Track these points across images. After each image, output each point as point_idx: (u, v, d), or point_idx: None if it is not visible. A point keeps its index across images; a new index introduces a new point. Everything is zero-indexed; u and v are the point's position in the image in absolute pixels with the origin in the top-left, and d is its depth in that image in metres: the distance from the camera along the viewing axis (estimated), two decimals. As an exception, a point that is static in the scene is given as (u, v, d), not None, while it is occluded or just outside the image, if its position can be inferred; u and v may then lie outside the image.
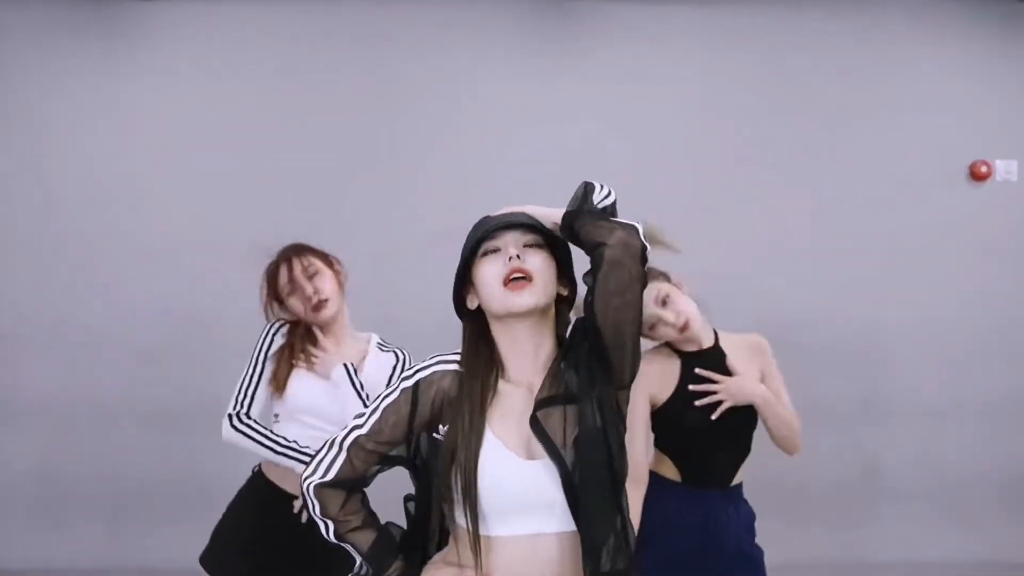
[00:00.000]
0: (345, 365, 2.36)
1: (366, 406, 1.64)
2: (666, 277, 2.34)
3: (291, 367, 2.37)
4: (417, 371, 1.60)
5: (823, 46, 4.89)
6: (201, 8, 4.76)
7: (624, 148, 4.71)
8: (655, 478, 2.32)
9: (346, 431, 1.60)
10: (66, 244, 4.61)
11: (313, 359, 2.36)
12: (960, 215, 4.86)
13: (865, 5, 4.92)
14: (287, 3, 4.77)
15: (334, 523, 1.60)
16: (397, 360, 2.44)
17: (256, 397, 2.39)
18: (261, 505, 2.41)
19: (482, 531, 1.49)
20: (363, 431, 1.58)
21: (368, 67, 4.83)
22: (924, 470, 4.82)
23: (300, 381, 2.37)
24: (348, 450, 1.58)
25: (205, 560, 2.43)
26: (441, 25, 4.86)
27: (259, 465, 2.44)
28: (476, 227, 1.61)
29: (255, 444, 2.35)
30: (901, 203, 4.85)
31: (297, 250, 2.45)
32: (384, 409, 1.58)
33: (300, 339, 2.41)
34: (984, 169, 4.83)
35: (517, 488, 1.48)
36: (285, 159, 4.74)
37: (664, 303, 2.27)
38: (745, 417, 2.32)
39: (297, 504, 2.30)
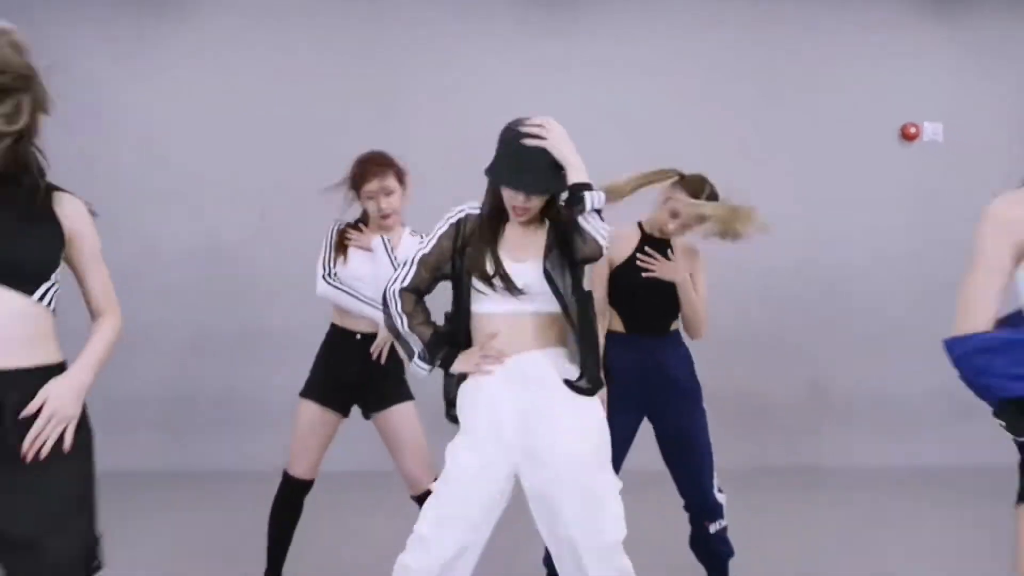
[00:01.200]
0: (382, 237, 3.08)
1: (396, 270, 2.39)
2: (684, 187, 2.99)
3: (346, 246, 3.11)
4: (457, 213, 2.33)
5: (782, 31, 5.42)
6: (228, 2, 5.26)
7: (613, 122, 5.20)
8: (607, 332, 2.99)
9: (416, 252, 2.33)
10: (111, 190, 4.82)
11: (361, 232, 3.12)
12: (893, 169, 5.43)
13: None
14: None
15: (408, 317, 2.29)
16: (422, 239, 2.90)
17: (337, 265, 3.13)
18: (331, 346, 3.14)
19: (479, 311, 2.27)
20: (426, 250, 2.31)
21: (375, 47, 5.28)
22: (863, 389, 5.42)
23: (352, 255, 3.11)
24: (418, 264, 2.31)
25: (303, 391, 3.13)
26: (444, 14, 5.31)
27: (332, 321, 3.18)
28: (511, 161, 2.22)
29: (341, 294, 3.09)
30: (845, 159, 5.41)
31: (385, 168, 3.09)
32: (439, 236, 2.31)
33: (353, 227, 3.15)
34: (913, 131, 5.41)
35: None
36: (301, 120, 5.19)
37: (674, 215, 2.98)
38: (673, 288, 2.96)
39: (374, 346, 3.04)
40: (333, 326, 3.17)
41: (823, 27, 5.44)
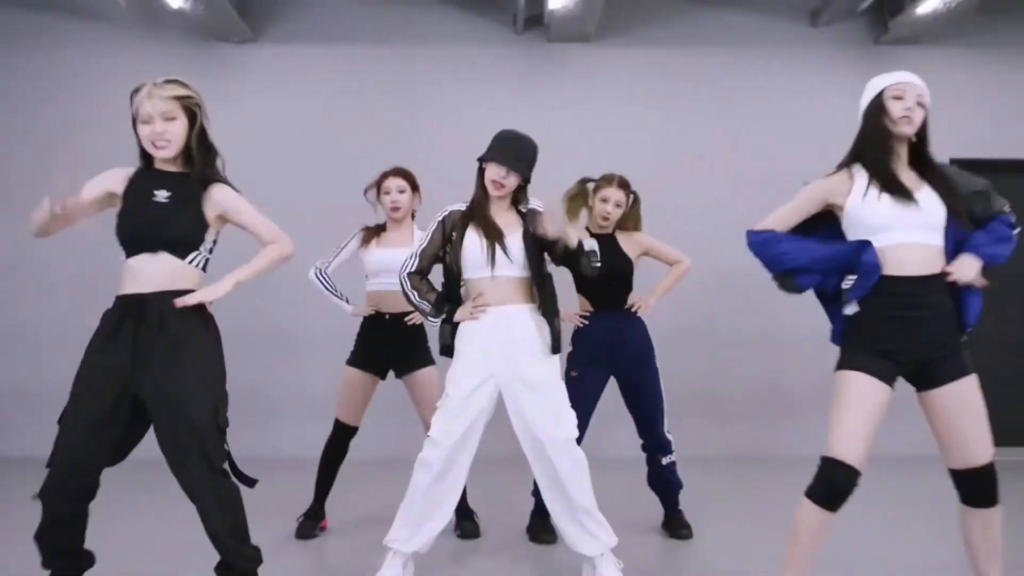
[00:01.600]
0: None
1: None
2: (625, 189, 3.91)
3: (370, 243, 4.03)
4: (442, 212, 3.25)
5: (733, 77, 6.38)
6: (279, 50, 6.30)
7: (595, 154, 6.12)
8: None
9: (417, 246, 3.27)
10: None
11: (381, 232, 4.04)
12: None
13: (772, 49, 6.40)
14: (342, 48, 6.29)
15: (417, 291, 3.23)
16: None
17: (332, 265, 4.05)
18: (366, 323, 4.01)
19: (469, 277, 3.18)
20: (424, 244, 3.26)
21: (398, 93, 6.29)
22: (811, 386, 5.99)
23: (375, 250, 3.98)
24: (419, 255, 3.25)
25: (348, 360, 3.97)
26: (453, 63, 6.32)
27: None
28: (501, 145, 3.21)
29: (319, 285, 4.03)
30: (784, 192, 6.10)
31: (399, 174, 4.04)
32: (431, 232, 3.25)
33: (375, 229, 4.06)
34: None
35: (480, 253, 3.11)
36: (341, 169, 6.07)
37: (607, 209, 3.88)
38: (625, 272, 3.87)
39: (410, 317, 3.89)
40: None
41: (772, 71, 6.41)
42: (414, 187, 4.07)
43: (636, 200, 3.99)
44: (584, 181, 3.99)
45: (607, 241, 3.84)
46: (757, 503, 4.71)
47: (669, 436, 3.88)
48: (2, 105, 6.26)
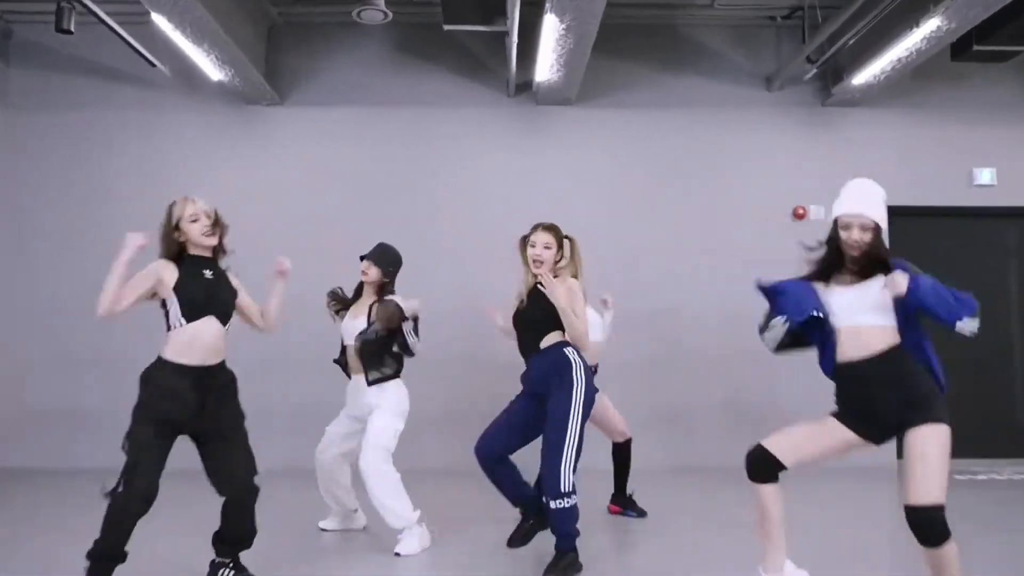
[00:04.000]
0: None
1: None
2: (552, 233, 3.92)
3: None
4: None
5: (698, 134, 7.19)
6: (301, 112, 7.11)
7: (578, 202, 6.97)
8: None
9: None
10: None
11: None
12: (786, 243, 6.88)
13: (732, 111, 7.18)
14: (355, 110, 7.10)
15: None
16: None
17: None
18: None
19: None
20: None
21: (409, 152, 7.11)
22: (767, 402, 6.84)
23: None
24: None
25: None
26: (454, 123, 7.13)
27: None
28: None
29: None
30: (746, 234, 7.09)
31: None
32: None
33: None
34: (802, 211, 7.16)
35: None
36: (356, 215, 6.93)
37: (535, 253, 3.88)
38: (544, 319, 3.80)
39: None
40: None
41: (731, 128, 7.23)
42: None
43: (572, 245, 3.94)
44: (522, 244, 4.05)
45: (535, 289, 3.89)
46: (721, 511, 5.12)
47: (565, 484, 3.53)
48: (51, 162, 7.08)
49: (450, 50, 7.22)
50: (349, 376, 4.40)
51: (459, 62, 7.23)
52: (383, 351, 4.19)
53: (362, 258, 4.33)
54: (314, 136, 7.14)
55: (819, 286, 3.12)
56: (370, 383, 4.19)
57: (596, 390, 3.92)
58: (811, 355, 3.26)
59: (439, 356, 6.41)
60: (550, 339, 3.83)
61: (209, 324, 3.39)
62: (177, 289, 3.36)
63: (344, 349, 4.39)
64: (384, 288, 4.30)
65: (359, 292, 4.44)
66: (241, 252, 6.38)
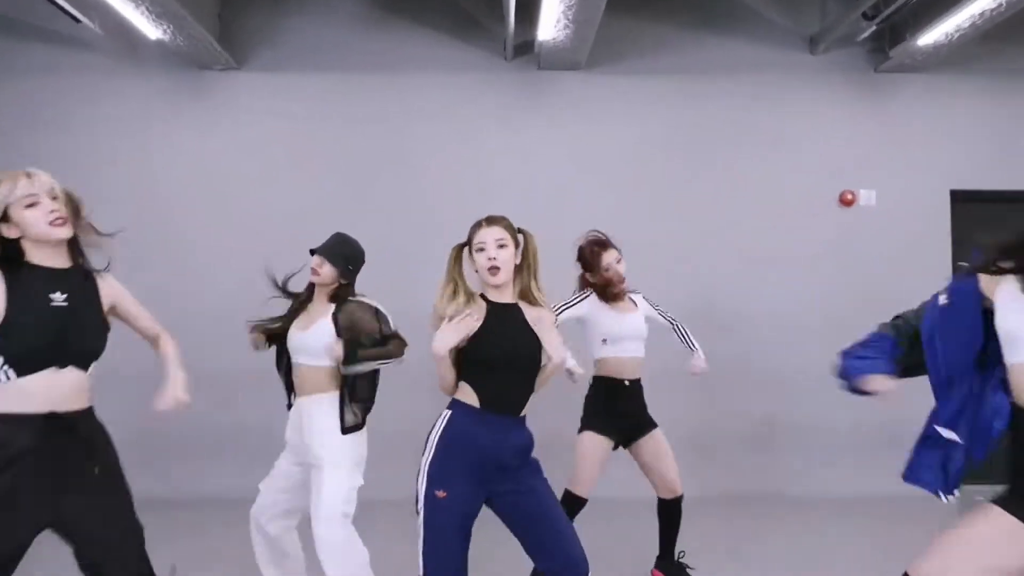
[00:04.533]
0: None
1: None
2: (512, 234, 2.76)
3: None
4: None
5: (732, 104, 6.21)
6: (262, 78, 6.16)
7: (585, 186, 6.07)
8: (457, 403, 2.67)
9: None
10: (146, 253, 5.89)
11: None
12: (830, 235, 6.17)
13: (770, 77, 6.24)
14: (326, 76, 6.15)
15: None
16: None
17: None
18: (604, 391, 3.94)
19: None
20: None
21: (389, 126, 6.14)
22: (805, 424, 6.03)
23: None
24: None
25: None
26: (440, 91, 6.17)
27: None
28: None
29: None
30: (784, 225, 6.16)
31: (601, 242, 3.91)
32: None
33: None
34: (850, 197, 6.21)
35: None
36: (325, 199, 5.99)
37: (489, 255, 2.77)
38: (533, 367, 2.71)
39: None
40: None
41: (768, 99, 6.25)
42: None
43: (527, 240, 2.79)
44: (456, 250, 2.82)
45: (503, 312, 2.75)
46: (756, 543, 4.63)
47: None
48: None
49: (437, 6, 6.28)
50: (290, 402, 3.50)
51: (448, 20, 6.28)
52: (369, 385, 3.41)
53: (312, 252, 3.46)
54: (276, 106, 6.18)
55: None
56: (345, 430, 3.30)
57: None
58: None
59: (425, 365, 5.44)
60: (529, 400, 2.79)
61: (56, 378, 2.33)
62: (2, 325, 2.26)
63: (288, 365, 3.48)
64: (341, 292, 3.43)
65: (309, 296, 3.53)
66: (190, 239, 5.54)
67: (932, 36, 5.54)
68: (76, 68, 6.13)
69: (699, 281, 6.09)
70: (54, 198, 2.35)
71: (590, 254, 3.92)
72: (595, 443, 3.82)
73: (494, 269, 2.70)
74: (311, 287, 3.51)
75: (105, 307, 2.49)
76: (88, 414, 2.42)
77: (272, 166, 6.11)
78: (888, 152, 6.28)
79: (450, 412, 2.67)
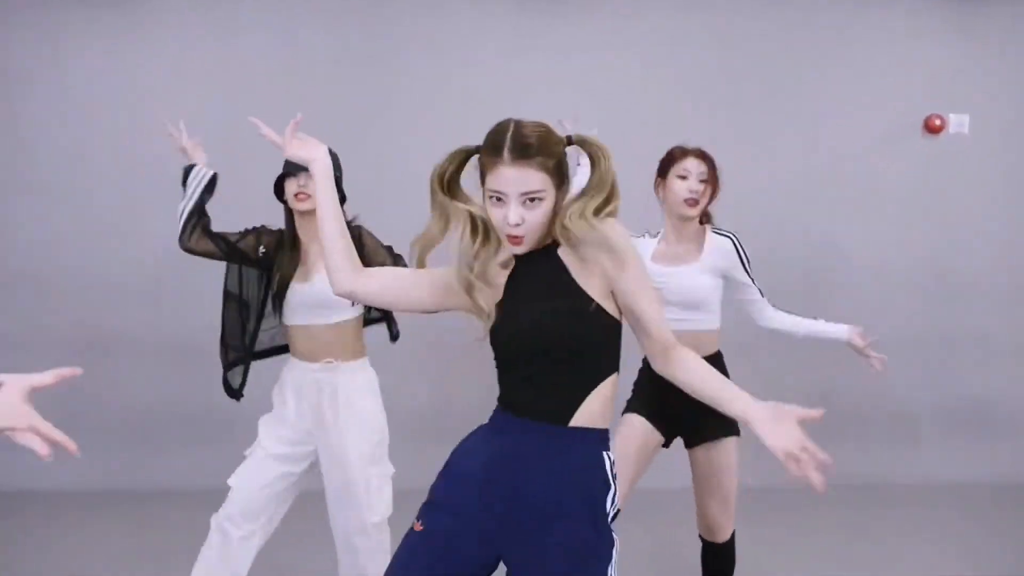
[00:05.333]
0: None
1: None
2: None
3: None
4: None
5: (786, 16, 5.05)
6: None
7: (611, 123, 4.75)
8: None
9: None
10: (98, 190, 4.82)
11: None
12: (916, 168, 5.10)
13: None
14: None
15: None
16: None
17: None
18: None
19: None
20: None
21: (368, 34, 4.96)
22: (870, 399, 5.05)
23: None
24: None
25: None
26: (435, 16, 4.98)
27: None
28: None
29: None
30: (859, 157, 5.07)
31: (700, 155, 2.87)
32: None
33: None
34: (938, 123, 5.07)
35: None
36: (289, 113, 4.86)
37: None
38: (594, 342, 1.72)
39: None
40: None
41: (839, 9, 5.09)
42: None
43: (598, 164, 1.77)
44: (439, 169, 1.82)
45: (527, 265, 1.75)
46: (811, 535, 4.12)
47: None
48: None
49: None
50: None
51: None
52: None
53: (285, 176, 2.73)
54: (220, 21, 4.92)
55: None
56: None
57: None
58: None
59: (428, 338, 4.43)
60: (592, 406, 1.68)
61: None
62: None
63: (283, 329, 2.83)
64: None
65: (293, 235, 2.81)
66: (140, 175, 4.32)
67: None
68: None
69: (750, 225, 4.84)
70: None
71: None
72: (634, 427, 2.75)
73: (515, 239, 1.67)
74: (290, 222, 2.80)
75: None
76: None
77: (208, 98, 4.83)
78: (983, 67, 5.13)
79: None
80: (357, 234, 2.71)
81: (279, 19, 4.95)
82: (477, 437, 1.78)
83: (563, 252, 1.70)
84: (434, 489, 1.79)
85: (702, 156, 2.80)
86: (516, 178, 1.61)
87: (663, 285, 2.71)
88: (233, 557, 2.70)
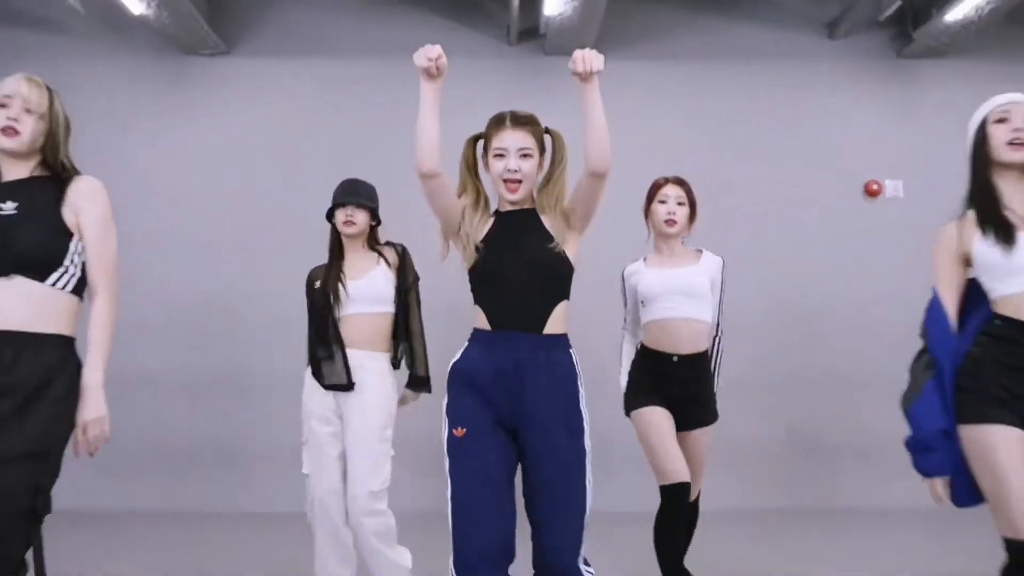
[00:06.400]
0: None
1: None
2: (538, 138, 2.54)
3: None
4: None
5: (745, 93, 5.89)
6: (254, 64, 5.86)
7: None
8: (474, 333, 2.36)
9: None
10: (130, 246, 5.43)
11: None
12: (856, 227, 5.80)
13: (788, 63, 5.94)
14: (320, 62, 5.85)
15: None
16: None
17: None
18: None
19: None
20: None
21: (386, 114, 5.74)
22: (834, 430, 5.63)
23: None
24: None
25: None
26: (446, 77, 5.75)
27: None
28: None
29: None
30: (807, 218, 5.81)
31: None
32: None
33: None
34: (876, 187, 5.85)
35: None
36: (318, 190, 5.53)
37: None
38: (559, 267, 2.33)
39: None
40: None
41: (785, 86, 5.93)
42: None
43: (555, 141, 2.55)
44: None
45: (514, 218, 2.39)
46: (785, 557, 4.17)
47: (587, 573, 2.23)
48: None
49: (436, -12, 5.95)
50: (329, 360, 3.30)
51: (447, 2, 5.98)
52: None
53: (337, 206, 3.40)
54: (268, 93, 5.86)
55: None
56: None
57: None
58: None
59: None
60: (558, 315, 2.32)
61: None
62: None
63: (332, 322, 3.31)
64: (373, 234, 3.47)
65: (340, 253, 3.45)
66: (182, 230, 5.08)
67: (961, 10, 5.23)
68: (61, 54, 5.78)
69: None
70: (27, 109, 2.20)
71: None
72: (656, 413, 3.19)
73: (512, 184, 2.35)
74: (337, 243, 3.43)
75: (66, 213, 2.21)
76: (44, 340, 2.08)
77: (262, 160, 5.73)
78: (914, 140, 5.94)
79: (467, 344, 2.35)
80: (402, 250, 3.43)
81: (311, 95, 5.84)
82: (474, 354, 2.29)
83: (539, 211, 2.38)
84: (459, 398, 2.27)
85: (679, 183, 3.29)
86: (515, 138, 2.35)
87: (669, 280, 3.26)
88: (342, 531, 3.26)
